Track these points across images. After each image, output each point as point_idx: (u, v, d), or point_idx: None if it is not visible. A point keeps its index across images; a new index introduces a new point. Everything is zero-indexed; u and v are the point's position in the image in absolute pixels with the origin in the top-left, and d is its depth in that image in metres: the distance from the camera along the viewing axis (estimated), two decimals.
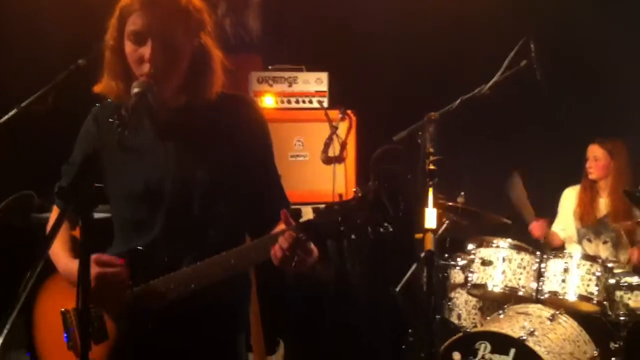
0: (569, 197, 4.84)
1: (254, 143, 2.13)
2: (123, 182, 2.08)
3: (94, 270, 1.95)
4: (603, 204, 4.69)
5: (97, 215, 1.64)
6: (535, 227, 4.63)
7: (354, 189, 1.86)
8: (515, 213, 4.62)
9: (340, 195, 1.91)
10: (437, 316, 4.37)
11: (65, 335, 2.14)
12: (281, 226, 1.96)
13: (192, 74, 2.03)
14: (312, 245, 1.89)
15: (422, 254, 1.88)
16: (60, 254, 2.13)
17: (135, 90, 1.87)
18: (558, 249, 4.56)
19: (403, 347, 4.26)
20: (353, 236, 1.85)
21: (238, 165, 2.08)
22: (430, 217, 1.93)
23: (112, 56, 2.02)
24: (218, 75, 2.07)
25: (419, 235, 2.05)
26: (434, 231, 1.92)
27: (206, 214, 2.06)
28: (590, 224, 4.67)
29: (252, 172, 2.11)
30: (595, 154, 4.65)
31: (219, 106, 2.08)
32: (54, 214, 2.29)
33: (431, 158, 2.28)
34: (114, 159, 2.02)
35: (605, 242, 4.61)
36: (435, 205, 2.04)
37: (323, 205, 1.91)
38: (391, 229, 1.83)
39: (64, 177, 2.25)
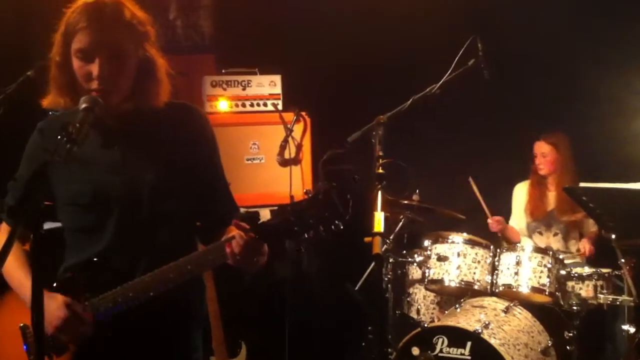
0: (520, 192, 4.95)
1: (200, 148, 2.18)
2: (71, 192, 2.10)
3: (62, 313, 1.99)
4: (552, 198, 4.80)
5: (49, 225, 1.66)
6: (492, 224, 4.73)
7: (305, 190, 1.92)
8: (469, 209, 4.70)
9: (292, 197, 1.97)
10: (397, 311, 4.45)
11: (25, 348, 2.15)
12: (233, 230, 2.01)
13: (138, 82, 2.06)
14: (265, 246, 1.97)
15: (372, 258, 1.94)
16: (24, 282, 2.10)
17: (84, 105, 1.88)
18: (512, 243, 4.65)
19: (363, 344, 4.31)
20: (307, 235, 1.90)
21: (185, 169, 2.13)
22: (379, 221, 1.97)
23: (59, 72, 2.03)
24: (164, 84, 2.11)
25: (368, 239, 2.09)
26: (382, 234, 1.97)
27: (155, 217, 2.10)
28: (541, 218, 4.77)
29: (199, 176, 2.16)
30: (543, 150, 4.75)
31: (166, 113, 2.12)
32: (2, 231, 2.28)
33: (380, 161, 2.32)
34: (63, 169, 1.99)
35: (555, 234, 4.72)
36: (386, 207, 2.08)
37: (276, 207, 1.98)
38: (342, 227, 1.90)
39: (10, 194, 2.24)
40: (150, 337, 2.11)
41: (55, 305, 2.01)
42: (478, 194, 4.68)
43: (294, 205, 1.92)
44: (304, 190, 1.95)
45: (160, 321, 2.10)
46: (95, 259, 2.08)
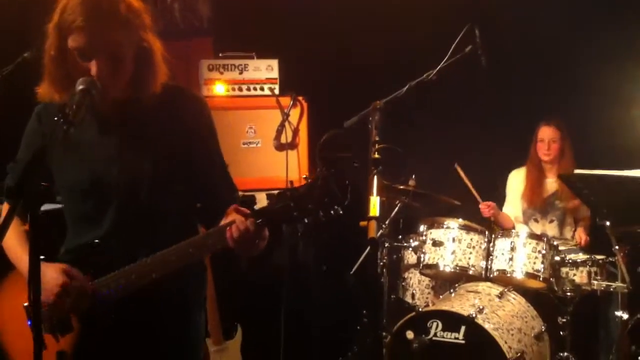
0: (516, 179, 4.96)
1: (197, 132, 2.19)
2: (70, 177, 2.12)
3: (60, 279, 2.03)
4: (550, 184, 4.82)
5: (50, 206, 1.68)
6: (484, 209, 4.75)
7: (304, 176, 1.94)
8: (463, 195, 4.72)
9: (291, 182, 1.98)
10: (392, 296, 4.48)
11: (30, 324, 2.15)
12: (231, 213, 2.02)
13: (136, 71, 2.06)
14: (265, 230, 1.99)
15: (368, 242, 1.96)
16: (22, 257, 2.14)
17: (80, 87, 1.89)
18: (505, 229, 4.67)
19: (358, 328, 4.34)
20: (306, 220, 1.93)
21: (182, 155, 2.14)
22: (375, 206, 1.99)
23: (54, 66, 2.03)
24: (161, 70, 2.11)
25: (363, 223, 2.10)
26: (378, 218, 1.99)
27: (154, 204, 2.11)
28: (538, 205, 4.79)
29: (196, 160, 2.18)
30: (552, 136, 4.73)
31: (162, 98, 2.12)
32: (4, 211, 2.30)
33: (376, 146, 2.33)
34: (60, 155, 2.04)
35: (551, 221, 4.75)
36: (382, 192, 2.10)
37: (276, 192, 1.99)
38: (341, 212, 1.92)
39: (10, 176, 2.27)
40: (153, 320, 2.14)
41: (54, 273, 2.04)
42: (466, 179, 4.70)
43: (293, 190, 1.93)
44: (303, 176, 1.97)
45: (163, 304, 2.13)
46: (97, 241, 2.11)
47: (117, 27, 1.97)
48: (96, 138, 2.11)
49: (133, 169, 2.10)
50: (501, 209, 4.93)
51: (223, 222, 2.04)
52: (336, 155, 2.71)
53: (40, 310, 1.71)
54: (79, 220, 2.17)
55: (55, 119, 1.77)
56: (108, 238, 2.10)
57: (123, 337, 2.11)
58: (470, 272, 4.18)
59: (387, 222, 4.39)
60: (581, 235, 4.60)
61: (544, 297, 4.23)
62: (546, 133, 4.76)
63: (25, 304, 2.17)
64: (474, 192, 4.73)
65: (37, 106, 2.22)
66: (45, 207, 2.04)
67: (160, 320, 2.15)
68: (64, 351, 2.06)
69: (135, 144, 2.11)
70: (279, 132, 3.93)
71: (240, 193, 2.35)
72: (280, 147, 3.93)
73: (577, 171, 3.77)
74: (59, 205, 2.23)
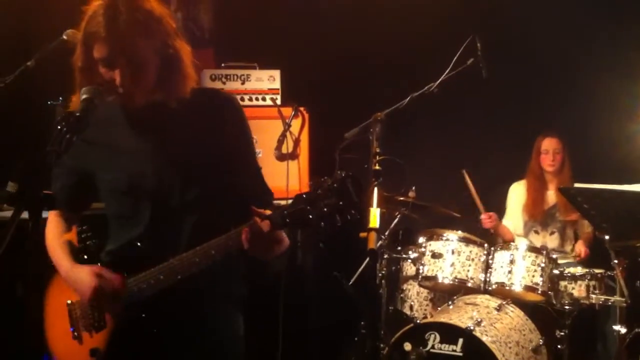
0: (516, 192, 4.97)
1: (228, 133, 2.19)
2: (109, 180, 2.19)
3: (93, 281, 2.11)
4: (551, 196, 4.83)
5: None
6: (485, 219, 4.76)
7: (323, 179, 1.92)
8: (464, 206, 4.73)
9: (310, 185, 1.96)
10: (390, 307, 4.48)
11: (71, 327, 2.26)
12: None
13: (161, 77, 2.08)
14: (283, 234, 2.02)
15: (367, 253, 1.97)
16: (62, 259, 2.24)
17: (84, 96, 1.92)
18: (505, 242, 4.68)
19: (356, 339, 4.34)
20: (323, 224, 1.89)
21: (213, 156, 2.16)
22: (374, 217, 2.00)
23: (82, 77, 2.06)
24: (189, 76, 2.13)
25: (363, 234, 2.11)
26: (378, 230, 2.00)
27: (187, 204, 2.15)
28: (539, 217, 4.80)
29: (228, 161, 2.18)
30: (556, 147, 4.77)
31: (194, 101, 2.15)
32: (50, 217, 2.37)
33: (377, 158, 2.35)
34: (100, 156, 2.14)
35: (552, 233, 4.76)
36: (382, 203, 2.11)
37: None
38: (358, 216, 1.90)
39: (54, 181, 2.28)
40: (186, 317, 2.17)
41: (86, 275, 2.13)
42: (472, 187, 4.70)
43: (309, 193, 1.92)
44: (313, 180, 1.94)
45: (198, 301, 2.17)
46: (138, 243, 2.16)
47: (136, 36, 1.99)
48: (130, 140, 2.16)
49: (165, 171, 2.14)
50: (501, 217, 4.95)
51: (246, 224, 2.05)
52: (352, 157, 2.73)
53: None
54: (118, 220, 2.24)
55: (59, 127, 1.78)
56: (145, 238, 2.16)
57: (156, 334, 2.15)
58: (469, 285, 4.18)
59: (386, 234, 4.40)
60: (581, 248, 4.61)
61: (543, 311, 4.24)
62: (551, 144, 4.79)
63: (69, 302, 2.26)
64: (478, 201, 4.73)
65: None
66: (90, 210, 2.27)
67: (191, 319, 2.18)
68: (98, 348, 2.15)
69: (167, 146, 2.15)
70: (280, 142, 3.94)
71: None
72: (281, 157, 3.94)
73: (576, 185, 3.79)
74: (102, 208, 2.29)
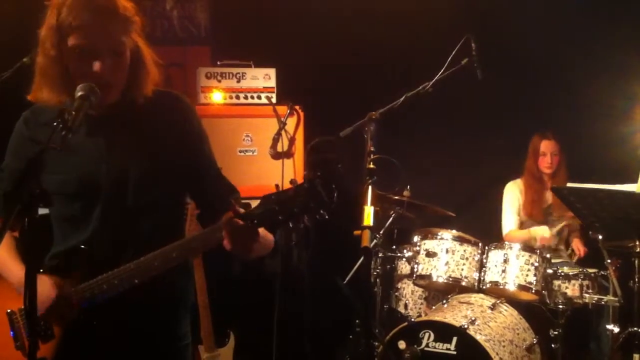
0: (512, 191, 4.98)
1: (186, 135, 2.18)
2: (56, 181, 2.09)
3: (52, 292, 2.04)
4: (548, 195, 4.84)
5: (40, 211, 1.69)
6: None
7: (290, 180, 1.91)
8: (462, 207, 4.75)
9: (277, 186, 1.95)
10: (385, 306, 4.49)
11: (12, 335, 2.16)
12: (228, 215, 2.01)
13: (130, 73, 2.07)
14: (265, 231, 1.95)
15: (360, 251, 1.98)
16: (11, 266, 2.15)
17: (80, 93, 1.89)
18: (498, 240, 4.70)
19: (350, 337, 4.35)
20: (291, 224, 1.88)
21: (170, 158, 2.13)
22: (369, 215, 2.00)
23: (53, 66, 2.02)
24: (152, 72, 2.11)
25: (357, 232, 2.12)
26: (372, 228, 2.00)
27: (140, 206, 2.10)
28: (537, 216, 4.81)
29: (186, 164, 2.16)
30: (553, 149, 4.80)
31: (152, 101, 2.12)
32: None
33: (371, 157, 2.35)
34: (48, 158, 2.01)
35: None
36: (376, 202, 2.12)
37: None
38: (327, 216, 1.87)
39: None
40: (137, 325, 2.12)
41: (45, 286, 2.03)
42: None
43: (278, 194, 1.89)
44: (290, 180, 1.94)
45: (147, 309, 2.11)
46: (82, 247, 2.09)
47: (117, 24, 1.99)
48: (84, 140, 2.11)
49: (120, 171, 2.09)
50: (494, 221, 4.96)
51: (210, 226, 2.02)
52: (322, 158, 2.72)
53: (37, 317, 1.71)
54: (65, 223, 2.16)
55: (55, 124, 1.77)
56: (93, 241, 2.10)
57: (103, 345, 2.10)
58: (463, 284, 4.19)
59: (381, 232, 4.40)
60: (579, 247, 4.63)
61: (536, 310, 4.25)
62: (548, 147, 4.82)
63: (8, 311, 2.16)
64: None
65: (24, 112, 2.21)
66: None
67: (139, 329, 2.13)
68: (45, 358, 1.97)
69: (123, 146, 2.11)
70: (275, 140, 3.95)
71: None
72: (276, 155, 3.94)
73: (569, 185, 3.81)
74: (46, 211, 2.18)
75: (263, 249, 2.02)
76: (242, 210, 1.92)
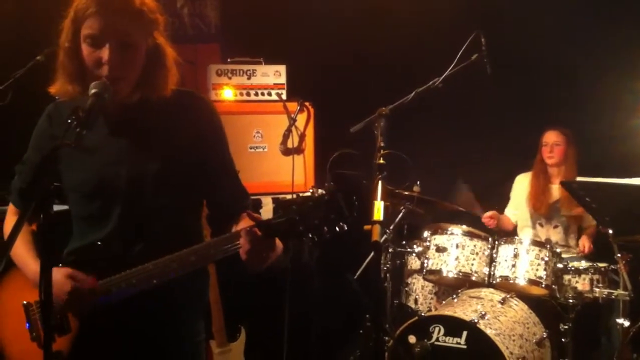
0: (522, 183, 4.99)
1: (205, 136, 2.17)
2: (77, 179, 2.11)
3: (67, 284, 2.03)
4: (555, 190, 4.84)
5: (56, 208, 1.71)
6: (487, 220, 4.78)
7: (311, 187, 1.91)
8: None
9: (297, 194, 1.94)
10: (395, 301, 4.51)
11: (27, 326, 2.18)
12: (245, 222, 2.02)
13: (146, 71, 2.07)
14: (277, 241, 1.95)
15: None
16: (28, 260, 2.17)
17: (93, 91, 1.90)
18: (509, 234, 4.71)
19: (360, 332, 4.37)
20: (310, 235, 1.88)
21: (189, 159, 2.13)
22: (379, 210, 2.02)
23: (67, 58, 2.03)
24: (172, 72, 2.11)
25: (367, 227, 2.13)
26: (382, 222, 2.02)
27: (157, 206, 2.10)
28: (543, 210, 4.82)
29: (204, 165, 2.16)
30: (555, 139, 4.80)
31: (172, 102, 2.12)
32: (10, 212, 2.33)
33: (382, 152, 2.37)
34: (68, 157, 2.04)
35: (555, 227, 4.78)
36: (386, 197, 2.13)
37: (282, 197, 1.97)
38: (346, 228, 1.88)
39: (18, 176, 2.28)
40: (154, 323, 2.13)
41: (60, 277, 2.03)
42: (469, 194, 4.75)
43: (299, 204, 1.88)
44: (310, 188, 1.93)
45: (164, 309, 2.13)
46: (98, 243, 2.10)
47: (129, 16, 1.99)
48: (105, 140, 2.12)
49: (139, 171, 2.09)
50: (503, 211, 4.97)
51: (234, 229, 2.04)
52: (346, 173, 2.73)
53: (51, 311, 1.72)
54: (84, 221, 2.17)
55: (69, 121, 1.78)
56: (110, 239, 2.10)
57: (120, 341, 2.11)
58: (473, 278, 4.21)
59: (391, 228, 4.42)
60: (585, 243, 4.63)
61: (546, 304, 4.26)
62: (550, 137, 4.83)
63: (25, 302, 2.18)
64: (477, 212, 4.78)
65: (48, 106, 2.22)
66: (55, 207, 2.09)
67: (157, 325, 2.14)
68: (60, 351, 2.04)
69: (143, 147, 2.11)
70: (286, 137, 3.96)
71: None
72: (286, 152, 3.96)
73: (579, 179, 3.81)
74: (66, 207, 2.21)
75: (274, 259, 2.01)
76: (261, 218, 1.91)
